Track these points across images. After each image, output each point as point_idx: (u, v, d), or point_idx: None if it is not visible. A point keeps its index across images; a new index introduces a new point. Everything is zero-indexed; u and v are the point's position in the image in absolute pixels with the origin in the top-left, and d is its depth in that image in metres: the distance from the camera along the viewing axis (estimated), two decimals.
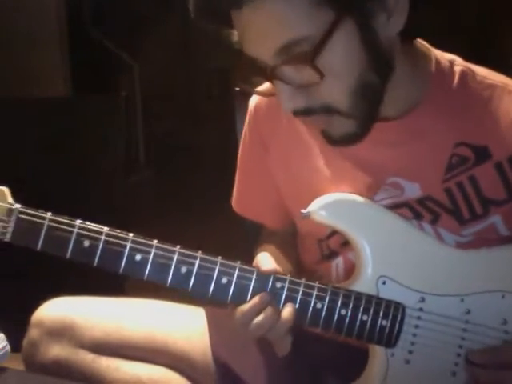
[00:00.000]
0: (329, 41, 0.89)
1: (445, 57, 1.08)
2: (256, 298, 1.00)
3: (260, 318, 0.99)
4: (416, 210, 1.06)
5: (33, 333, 1.18)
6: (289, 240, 1.24)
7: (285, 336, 1.01)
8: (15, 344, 1.11)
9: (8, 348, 1.06)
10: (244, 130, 1.23)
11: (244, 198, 1.27)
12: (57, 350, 1.16)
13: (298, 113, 0.97)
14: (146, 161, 4.86)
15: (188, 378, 1.19)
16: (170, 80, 5.07)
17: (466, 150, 1.05)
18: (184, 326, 1.21)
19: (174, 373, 1.18)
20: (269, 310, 0.99)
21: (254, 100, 1.21)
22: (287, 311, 1.00)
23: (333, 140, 1.01)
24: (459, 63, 1.08)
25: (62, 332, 1.17)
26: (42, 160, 1.97)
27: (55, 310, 1.20)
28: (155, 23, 4.99)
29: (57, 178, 1.95)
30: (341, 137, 1.00)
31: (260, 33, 0.91)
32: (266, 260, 1.03)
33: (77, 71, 3.84)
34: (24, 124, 1.99)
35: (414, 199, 1.06)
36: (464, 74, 1.06)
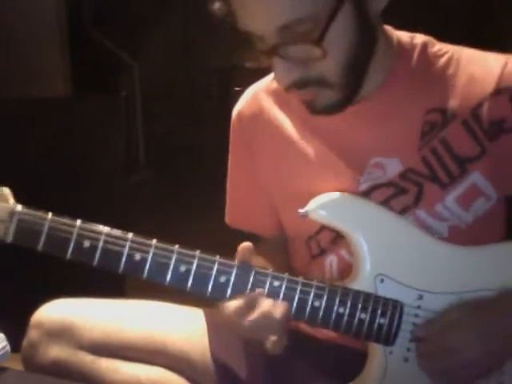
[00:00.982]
0: (334, 21, 0.94)
1: (406, 34, 1.12)
2: (247, 296, 0.99)
3: (254, 315, 0.98)
4: (400, 186, 1.08)
5: (32, 334, 1.18)
6: (280, 248, 1.25)
7: (280, 335, 0.99)
8: (15, 344, 1.11)
9: (8, 348, 1.06)
10: (230, 143, 1.25)
11: (236, 210, 1.28)
12: (56, 352, 1.16)
13: (291, 86, 1.01)
14: (146, 161, 4.86)
15: (187, 378, 1.19)
16: (170, 80, 5.07)
17: (435, 115, 1.08)
18: (183, 326, 1.21)
19: (173, 373, 1.18)
20: (263, 306, 0.98)
21: (236, 108, 1.23)
22: (281, 309, 0.99)
23: (315, 110, 1.06)
24: (419, 37, 1.12)
25: (62, 333, 1.17)
26: (41, 160, 1.96)
27: (54, 311, 1.20)
28: (155, 23, 5.00)
29: (57, 178, 1.95)
30: (325, 107, 1.04)
31: (264, 10, 0.94)
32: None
33: (77, 71, 3.85)
34: (24, 124, 1.98)
35: (397, 175, 1.08)
36: (424, 45, 1.11)
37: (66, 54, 3.77)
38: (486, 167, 1.06)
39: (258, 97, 1.20)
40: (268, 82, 1.20)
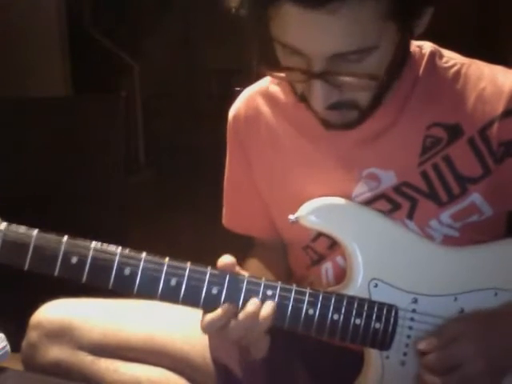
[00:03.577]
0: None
1: (414, 43, 1.10)
2: (225, 306, 0.98)
3: (236, 320, 0.97)
4: (393, 200, 1.06)
5: (32, 335, 1.18)
6: (277, 250, 1.24)
7: (262, 338, 0.99)
8: (15, 344, 1.11)
9: (8, 348, 1.05)
10: (227, 144, 1.24)
11: (233, 213, 1.27)
12: (56, 352, 1.16)
13: (327, 108, 0.98)
14: (146, 161, 4.87)
15: (187, 378, 1.19)
16: (170, 80, 5.08)
17: (439, 130, 1.05)
18: (183, 326, 1.21)
19: (173, 374, 1.18)
20: (248, 310, 0.97)
21: (232, 111, 1.21)
22: (266, 311, 0.98)
23: (331, 126, 1.03)
24: (428, 46, 1.10)
25: (61, 334, 1.17)
26: (42, 160, 1.96)
27: (54, 312, 1.20)
28: (155, 23, 5.00)
29: (57, 178, 1.95)
30: (341, 124, 1.02)
31: (325, 36, 0.89)
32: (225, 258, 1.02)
33: (77, 71, 3.85)
34: (24, 124, 1.98)
35: (391, 188, 1.06)
36: (432, 56, 1.08)
37: (66, 54, 3.77)
38: (486, 188, 1.04)
39: (255, 100, 1.18)
40: (265, 85, 1.18)
